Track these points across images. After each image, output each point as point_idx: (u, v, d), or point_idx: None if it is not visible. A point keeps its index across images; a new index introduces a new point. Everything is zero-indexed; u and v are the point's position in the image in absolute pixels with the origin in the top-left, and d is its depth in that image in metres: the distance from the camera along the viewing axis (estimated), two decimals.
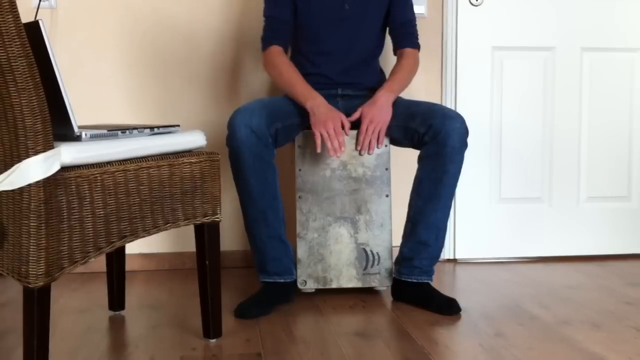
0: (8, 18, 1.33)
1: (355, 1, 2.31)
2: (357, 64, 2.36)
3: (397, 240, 2.30)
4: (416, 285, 2.21)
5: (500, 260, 2.89)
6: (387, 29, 2.43)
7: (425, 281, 2.22)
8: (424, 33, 2.58)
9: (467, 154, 2.17)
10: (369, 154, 2.20)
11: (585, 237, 2.93)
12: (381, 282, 2.29)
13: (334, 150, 2.12)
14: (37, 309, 1.44)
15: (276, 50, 2.30)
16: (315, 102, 2.18)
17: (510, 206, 2.89)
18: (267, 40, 2.32)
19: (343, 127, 2.16)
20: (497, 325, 2.01)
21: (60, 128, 1.52)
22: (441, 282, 2.52)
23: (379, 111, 2.19)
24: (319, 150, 2.14)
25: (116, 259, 2.09)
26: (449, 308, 2.12)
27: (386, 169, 2.28)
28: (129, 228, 1.61)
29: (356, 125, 2.21)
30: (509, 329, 1.97)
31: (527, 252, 2.90)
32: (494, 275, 2.62)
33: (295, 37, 2.40)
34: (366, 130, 2.16)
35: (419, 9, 2.64)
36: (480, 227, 2.88)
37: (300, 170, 2.25)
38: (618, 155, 2.93)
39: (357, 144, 2.19)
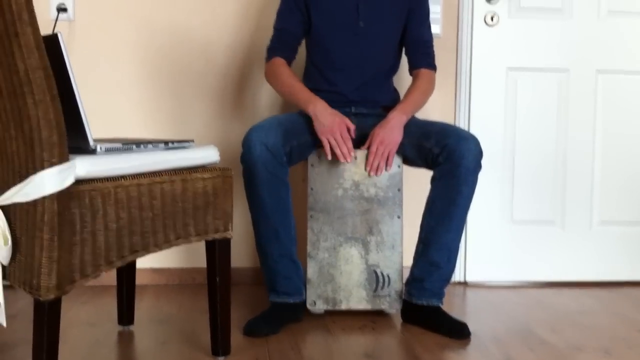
0: (27, 30, 1.33)
1: (370, 18, 2.32)
2: (371, 81, 2.36)
3: (408, 262, 2.28)
4: (426, 308, 2.20)
5: (512, 283, 2.86)
6: (404, 48, 2.43)
7: (436, 304, 2.20)
8: (439, 52, 2.58)
9: (480, 175, 2.16)
10: (376, 175, 2.20)
11: (598, 262, 2.90)
12: (391, 305, 2.27)
13: (343, 157, 2.15)
14: (47, 321, 1.43)
15: (280, 61, 2.31)
16: (317, 107, 2.18)
17: (522, 228, 2.87)
18: (273, 50, 2.35)
19: (349, 131, 2.19)
20: (508, 349, 1.99)
21: (76, 141, 1.53)
22: (451, 304, 2.50)
23: (389, 132, 2.19)
24: (329, 157, 2.16)
25: (127, 273, 2.09)
26: (459, 332, 2.10)
27: (398, 190, 2.27)
28: (140, 242, 1.61)
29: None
30: (519, 353, 1.95)
31: (538, 276, 2.88)
32: (505, 299, 2.59)
33: (311, 52, 2.41)
34: (375, 151, 2.17)
35: (434, 28, 2.63)
36: (492, 250, 2.86)
37: (312, 189, 2.24)
38: (632, 178, 2.91)
39: (366, 164, 2.19)
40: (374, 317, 2.29)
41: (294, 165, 2.25)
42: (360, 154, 2.25)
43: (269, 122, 2.11)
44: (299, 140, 2.16)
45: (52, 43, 1.46)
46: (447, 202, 2.14)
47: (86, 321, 2.20)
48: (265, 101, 2.76)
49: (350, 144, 2.17)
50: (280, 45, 2.34)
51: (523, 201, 2.87)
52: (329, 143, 2.16)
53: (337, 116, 2.18)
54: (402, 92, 2.43)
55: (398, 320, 2.27)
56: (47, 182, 1.39)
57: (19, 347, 1.94)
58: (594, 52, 2.86)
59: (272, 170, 2.06)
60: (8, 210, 1.48)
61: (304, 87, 2.26)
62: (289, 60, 2.35)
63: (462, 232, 2.19)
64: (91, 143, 1.53)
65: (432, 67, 2.40)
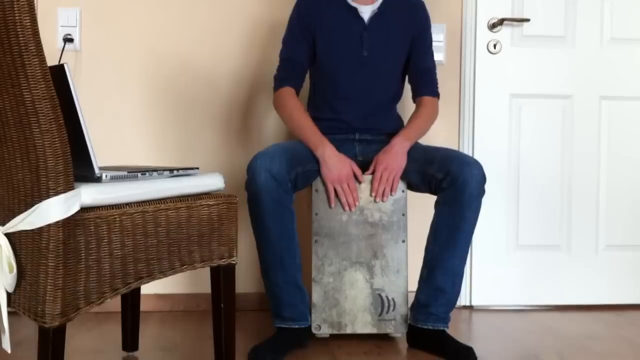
0: (34, 61, 1.36)
1: (374, 48, 2.34)
2: (375, 109, 2.38)
3: (413, 286, 2.28)
4: (432, 333, 2.19)
5: (518, 308, 2.85)
6: (407, 76, 2.45)
7: (441, 328, 2.19)
8: (442, 79, 2.59)
9: (485, 200, 2.16)
10: (382, 201, 2.22)
11: (604, 286, 2.89)
12: (396, 329, 2.27)
13: (348, 206, 2.21)
14: (51, 348, 1.43)
15: (288, 91, 2.33)
16: (326, 152, 2.20)
17: (528, 253, 2.87)
18: (281, 80, 2.36)
19: (355, 176, 2.22)
20: None
21: (81, 169, 1.54)
22: (457, 329, 2.49)
23: (393, 158, 2.21)
24: (332, 204, 2.20)
25: (131, 299, 2.10)
26: (465, 356, 2.09)
27: (403, 215, 2.28)
28: (145, 269, 1.62)
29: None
30: None
31: (544, 300, 2.87)
32: (511, 324, 2.58)
33: (315, 80, 2.43)
34: (380, 177, 2.19)
35: (437, 56, 2.65)
36: (498, 274, 2.85)
37: (316, 214, 2.25)
38: (637, 203, 2.91)
39: (371, 190, 2.21)
40: (379, 342, 2.29)
41: (299, 191, 2.26)
42: (365, 179, 2.26)
43: (273, 149, 2.13)
44: (304, 167, 2.17)
45: (58, 73, 1.48)
46: (451, 228, 2.14)
47: (91, 348, 2.20)
48: (270, 129, 2.78)
49: (356, 194, 2.21)
50: (288, 74, 2.36)
51: (528, 226, 2.86)
52: (335, 191, 2.20)
53: (345, 163, 2.20)
54: (405, 120, 2.44)
55: (403, 345, 2.26)
56: (53, 210, 1.41)
57: None
58: (597, 78, 2.88)
59: (277, 198, 2.07)
60: (13, 237, 1.49)
61: (314, 126, 2.27)
62: (297, 89, 2.37)
63: (466, 257, 2.19)
64: (97, 171, 1.54)
65: (436, 94, 2.42)
